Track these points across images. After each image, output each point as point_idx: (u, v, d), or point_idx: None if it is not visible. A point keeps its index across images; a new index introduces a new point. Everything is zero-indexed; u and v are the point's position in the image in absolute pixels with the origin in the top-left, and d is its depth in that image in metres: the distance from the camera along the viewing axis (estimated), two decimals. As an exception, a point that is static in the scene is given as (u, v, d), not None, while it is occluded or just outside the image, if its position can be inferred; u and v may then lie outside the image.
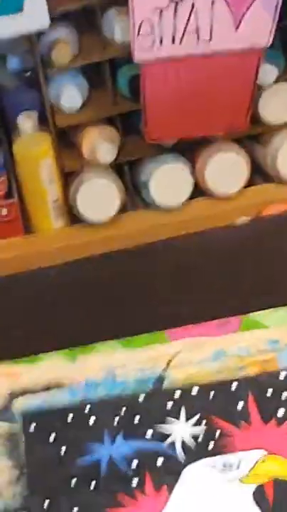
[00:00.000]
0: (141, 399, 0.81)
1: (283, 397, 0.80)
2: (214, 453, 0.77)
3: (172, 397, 0.81)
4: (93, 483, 0.76)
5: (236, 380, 0.81)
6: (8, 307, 1.05)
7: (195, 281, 1.04)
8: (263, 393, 0.80)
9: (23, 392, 0.83)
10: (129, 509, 0.75)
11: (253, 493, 0.74)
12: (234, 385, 0.81)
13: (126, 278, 1.08)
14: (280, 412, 0.79)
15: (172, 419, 0.80)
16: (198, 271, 1.06)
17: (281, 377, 0.80)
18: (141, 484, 0.76)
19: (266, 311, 0.88)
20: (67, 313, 1.01)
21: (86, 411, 0.81)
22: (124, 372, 0.84)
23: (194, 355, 0.84)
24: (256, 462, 0.76)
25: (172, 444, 0.78)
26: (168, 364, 0.84)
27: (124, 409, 0.80)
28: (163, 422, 0.79)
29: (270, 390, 0.80)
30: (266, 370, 0.82)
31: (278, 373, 0.81)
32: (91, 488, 0.76)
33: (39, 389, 0.83)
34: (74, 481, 0.77)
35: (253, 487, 0.75)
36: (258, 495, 0.74)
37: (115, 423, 0.79)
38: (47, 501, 0.76)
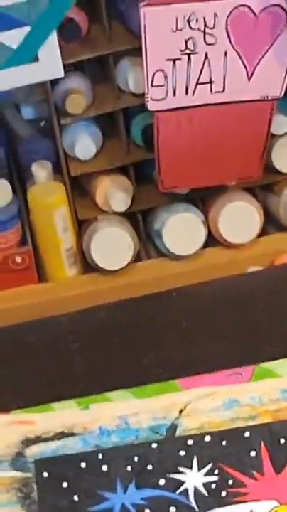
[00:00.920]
0: (153, 447, 0.81)
1: None
2: (226, 503, 0.78)
3: (184, 446, 0.81)
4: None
5: (248, 428, 0.81)
6: (20, 355, 1.06)
7: (207, 329, 1.04)
8: (275, 442, 0.80)
9: (36, 440, 0.83)
10: None
11: None
12: (247, 433, 0.81)
13: (139, 326, 1.08)
14: None
15: (185, 468, 0.80)
16: (211, 319, 1.06)
17: None
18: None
19: (279, 360, 0.88)
20: (79, 361, 1.02)
21: (99, 459, 0.81)
22: (137, 420, 0.84)
23: (206, 403, 0.84)
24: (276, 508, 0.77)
25: (185, 492, 0.78)
26: (180, 412, 0.84)
27: (137, 457, 0.80)
28: (176, 470, 0.80)
29: (282, 440, 0.80)
30: (278, 419, 0.82)
31: None
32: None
33: (52, 437, 0.83)
34: None
35: None
36: None
37: (128, 471, 0.80)
38: None
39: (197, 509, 0.77)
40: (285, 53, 1.28)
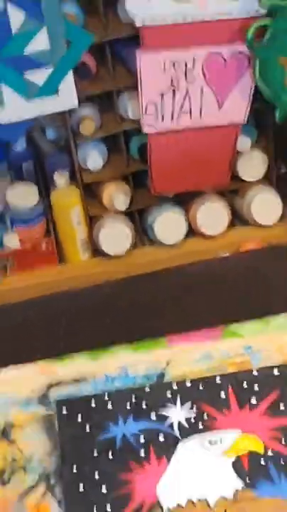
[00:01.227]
0: (147, 390, 0.82)
1: (254, 389, 0.80)
2: (202, 431, 0.78)
3: (170, 389, 0.82)
4: (110, 454, 0.77)
5: (219, 376, 0.82)
6: (46, 319, 1.06)
7: (188, 299, 1.04)
8: (240, 386, 0.81)
9: (57, 385, 0.84)
10: (137, 474, 0.76)
11: (233, 463, 0.75)
12: (218, 380, 0.81)
13: (136, 297, 1.09)
14: (253, 401, 0.79)
15: (171, 406, 0.80)
16: (191, 292, 1.06)
17: (254, 374, 0.81)
18: (147, 455, 0.77)
19: (243, 323, 0.88)
20: (91, 323, 1.02)
21: (105, 399, 0.81)
22: (135, 369, 0.84)
23: (187, 357, 0.85)
24: (234, 439, 0.77)
25: (171, 424, 0.78)
26: (167, 364, 0.84)
27: (134, 398, 0.81)
28: (164, 407, 0.80)
29: (245, 385, 0.81)
30: (242, 369, 0.83)
31: (251, 371, 0.82)
32: (109, 457, 0.77)
33: (69, 382, 0.84)
34: (95, 452, 0.78)
35: (232, 458, 0.76)
36: (237, 464, 0.75)
37: (127, 408, 0.80)
38: (75, 467, 0.76)
39: (179, 437, 0.77)
40: (247, 89, 1.27)
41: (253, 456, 0.75)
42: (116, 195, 1.34)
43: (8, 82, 1.24)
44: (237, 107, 1.29)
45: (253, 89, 1.26)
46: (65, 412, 0.81)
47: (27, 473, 0.77)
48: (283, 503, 0.72)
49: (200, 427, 0.78)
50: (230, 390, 0.81)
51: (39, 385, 0.84)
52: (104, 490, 0.75)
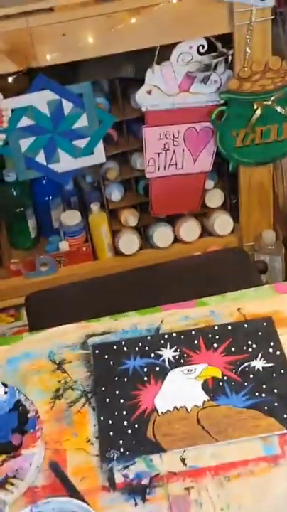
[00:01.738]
0: (148, 338, 0.80)
1: (216, 338, 0.79)
2: (183, 365, 0.77)
3: (163, 338, 0.80)
4: (125, 379, 0.76)
5: (194, 329, 0.81)
6: (86, 295, 1.05)
7: (174, 282, 1.04)
8: (207, 336, 0.79)
9: (92, 335, 0.82)
10: (142, 391, 0.74)
11: (202, 384, 0.74)
12: (193, 332, 0.80)
13: (141, 281, 1.08)
14: (215, 345, 0.78)
15: (163, 348, 0.79)
16: (176, 278, 1.06)
17: (215, 328, 0.80)
18: (148, 379, 0.75)
19: (210, 297, 0.87)
20: (113, 296, 1.01)
21: (122, 344, 0.80)
22: (141, 326, 0.83)
23: (173, 318, 0.83)
24: (203, 369, 0.76)
25: (163, 360, 0.77)
26: (161, 322, 0.83)
27: (140, 343, 0.79)
28: (159, 349, 0.78)
29: (209, 335, 0.79)
30: (209, 324, 0.81)
31: (214, 326, 0.80)
32: (125, 381, 0.75)
33: (99, 334, 0.82)
34: (116, 378, 0.76)
35: (201, 381, 0.75)
36: (204, 385, 0.74)
37: (136, 350, 0.79)
38: (103, 388, 0.75)
39: (169, 368, 0.76)
40: (212, 150, 1.28)
41: (214, 379, 0.74)
42: (129, 217, 1.36)
43: (62, 147, 1.24)
44: (205, 161, 1.30)
45: (215, 150, 1.28)
46: (97, 352, 0.79)
47: (73, 391, 0.76)
48: (232, 409, 0.71)
49: (182, 361, 0.77)
50: (201, 338, 0.79)
51: (81, 336, 0.82)
52: (121, 401, 0.73)
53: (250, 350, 0.77)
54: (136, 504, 0.64)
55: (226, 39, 1.16)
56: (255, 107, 1.18)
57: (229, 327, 0.80)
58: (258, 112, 1.18)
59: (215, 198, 1.38)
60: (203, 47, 1.15)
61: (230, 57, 1.18)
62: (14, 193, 1.34)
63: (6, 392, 0.73)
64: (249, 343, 0.78)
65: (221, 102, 1.20)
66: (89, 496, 0.64)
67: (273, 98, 1.18)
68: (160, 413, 0.71)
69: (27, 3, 1.08)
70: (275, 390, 0.72)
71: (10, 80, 1.16)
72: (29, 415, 0.71)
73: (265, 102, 1.18)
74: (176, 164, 1.29)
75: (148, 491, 0.65)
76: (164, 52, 1.15)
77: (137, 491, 0.65)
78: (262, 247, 1.38)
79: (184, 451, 0.68)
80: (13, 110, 1.17)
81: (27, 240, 1.40)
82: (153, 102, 1.20)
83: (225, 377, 0.74)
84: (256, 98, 1.18)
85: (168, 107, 1.21)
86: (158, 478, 0.66)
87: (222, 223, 1.39)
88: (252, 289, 0.88)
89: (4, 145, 1.20)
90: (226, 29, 1.14)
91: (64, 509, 0.59)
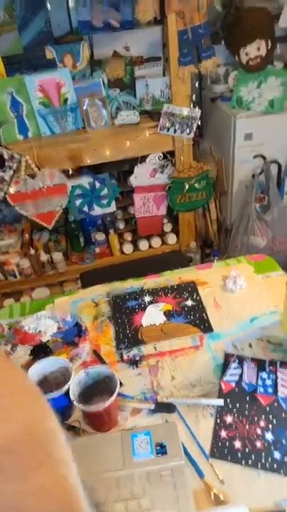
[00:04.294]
0: (138, 292, 0.74)
1: (169, 291, 0.72)
2: (154, 303, 0.71)
3: (145, 291, 0.74)
4: (127, 311, 0.70)
5: (159, 287, 0.74)
6: (108, 273, 0.95)
7: (151, 265, 0.92)
8: (166, 291, 0.73)
9: (112, 292, 0.76)
10: (136, 317, 0.69)
11: (163, 312, 0.69)
12: (159, 289, 0.73)
13: (135, 266, 1.01)
14: (169, 294, 0.72)
15: (145, 296, 0.73)
16: (152, 263, 0.98)
17: (169, 286, 0.72)
18: (138, 311, 0.70)
19: (166, 272, 0.79)
20: (120, 273, 0.88)
21: (126, 294, 0.74)
22: (136, 286, 0.76)
23: (150, 282, 0.76)
24: (163, 305, 0.70)
25: (145, 302, 0.70)
26: (144, 284, 0.77)
27: (134, 294, 0.73)
28: (143, 297, 0.73)
29: (168, 290, 0.73)
30: (165, 285, 0.74)
31: (168, 286, 0.73)
32: (127, 312, 0.70)
33: (116, 289, 0.76)
34: (123, 310, 0.70)
35: (163, 311, 0.69)
36: (165, 313, 0.68)
37: (132, 297, 0.73)
38: (117, 315, 0.69)
39: (147, 305, 0.69)
40: (166, 204, 1.28)
41: (169, 310, 0.67)
42: (127, 236, 1.32)
43: (95, 203, 1.21)
44: (163, 210, 1.27)
45: (167, 204, 1.23)
46: (114, 298, 0.74)
47: (103, 317, 0.70)
48: (177, 324, 0.66)
49: (154, 301, 0.72)
50: (162, 291, 0.74)
51: (106, 290, 0.76)
52: (127, 325, 0.68)
53: (184, 296, 0.73)
54: (133, 369, 0.61)
55: (171, 153, 1.19)
56: (185, 185, 1.21)
57: (175, 286, 0.75)
58: (187, 187, 1.22)
59: (168, 227, 1.37)
60: (161, 156, 1.18)
61: (173, 161, 1.20)
62: (73, 226, 1.35)
63: (71, 317, 0.71)
64: (185, 293, 0.73)
65: (170, 182, 1.22)
66: (111, 365, 0.62)
67: (193, 180, 1.22)
68: (144, 326, 0.68)
69: (80, 134, 1.10)
70: (197, 315, 0.69)
71: (70, 171, 1.16)
72: (82, 328, 0.67)
73: (190, 182, 1.21)
74: (149, 211, 1.28)
75: (138, 363, 0.62)
76: (143, 159, 1.17)
77: (133, 362, 0.62)
78: (190, 250, 1.39)
79: (155, 344, 0.65)
80: (72, 186, 1.18)
81: (79, 246, 1.40)
82: (138, 182, 1.21)
83: (174, 309, 0.70)
84: (185, 180, 1.21)
85: (145, 184, 1.22)
86: (143, 357, 0.63)
87: (171, 238, 1.38)
88: (185, 268, 0.82)
89: (68, 203, 1.21)
90: (171, 148, 1.18)
91: (100, 372, 0.54)
